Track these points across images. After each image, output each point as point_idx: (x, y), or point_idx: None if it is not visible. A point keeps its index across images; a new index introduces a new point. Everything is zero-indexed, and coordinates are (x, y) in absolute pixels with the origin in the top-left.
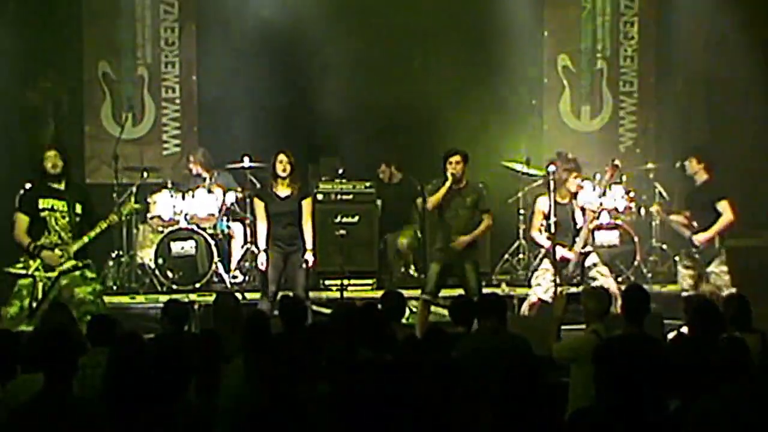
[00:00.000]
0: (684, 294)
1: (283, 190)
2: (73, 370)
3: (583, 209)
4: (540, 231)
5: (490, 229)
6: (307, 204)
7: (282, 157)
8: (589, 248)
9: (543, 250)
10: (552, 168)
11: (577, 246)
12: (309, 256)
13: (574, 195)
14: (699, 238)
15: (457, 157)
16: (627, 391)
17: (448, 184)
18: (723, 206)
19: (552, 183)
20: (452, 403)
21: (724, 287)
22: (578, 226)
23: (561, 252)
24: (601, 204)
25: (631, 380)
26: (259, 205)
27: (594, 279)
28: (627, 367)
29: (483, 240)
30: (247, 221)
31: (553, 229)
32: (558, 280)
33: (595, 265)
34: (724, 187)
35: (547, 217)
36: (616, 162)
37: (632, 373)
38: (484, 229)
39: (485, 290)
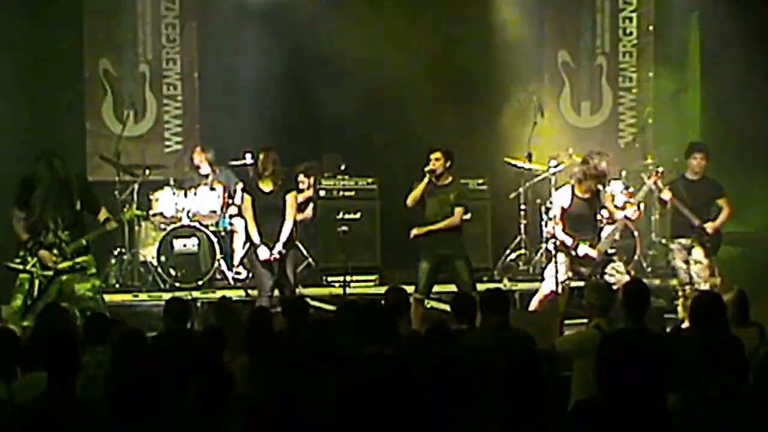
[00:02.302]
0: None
1: (266, 186)
2: (76, 371)
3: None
4: (562, 230)
5: (452, 224)
6: (290, 198)
7: (262, 155)
8: (613, 250)
9: (558, 243)
10: (554, 162)
11: (602, 245)
12: (278, 247)
13: (597, 192)
14: (711, 227)
15: (437, 154)
16: (628, 385)
17: (425, 180)
18: (724, 202)
19: (554, 178)
20: (456, 398)
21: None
22: (601, 225)
23: (585, 249)
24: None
25: (632, 375)
26: (247, 200)
27: (611, 276)
28: (628, 361)
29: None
30: None
31: (553, 216)
32: (571, 275)
33: (611, 261)
34: (721, 181)
35: (566, 210)
36: (661, 169)
37: (633, 367)
38: (446, 223)
39: (487, 286)
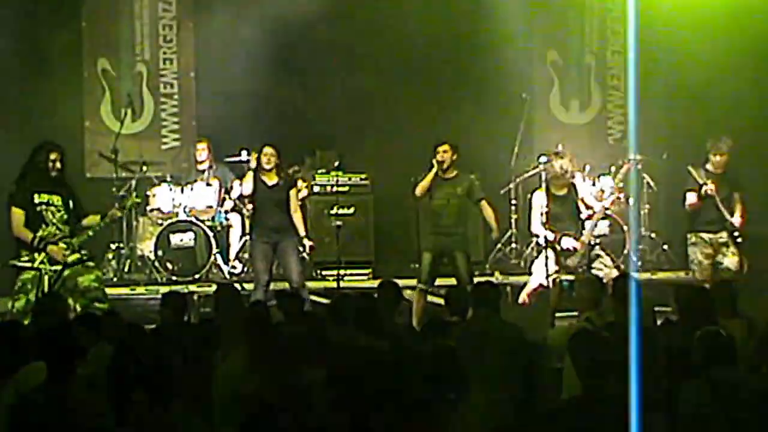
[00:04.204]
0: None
1: (270, 179)
2: (74, 360)
3: (585, 202)
4: (542, 225)
5: (495, 218)
6: (293, 194)
7: (267, 149)
8: (596, 240)
9: (543, 241)
10: (544, 159)
11: (584, 237)
12: (307, 242)
13: (574, 186)
14: (739, 220)
15: (445, 146)
16: (606, 377)
17: (433, 171)
18: (739, 195)
19: (544, 174)
20: (448, 389)
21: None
22: (583, 218)
23: (568, 242)
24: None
25: (610, 368)
26: (249, 177)
27: (600, 270)
28: (605, 355)
29: (474, 229)
30: (246, 213)
31: (545, 219)
32: (559, 269)
33: (598, 256)
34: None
35: (544, 210)
36: (631, 157)
37: (611, 361)
38: (493, 217)
39: (479, 279)
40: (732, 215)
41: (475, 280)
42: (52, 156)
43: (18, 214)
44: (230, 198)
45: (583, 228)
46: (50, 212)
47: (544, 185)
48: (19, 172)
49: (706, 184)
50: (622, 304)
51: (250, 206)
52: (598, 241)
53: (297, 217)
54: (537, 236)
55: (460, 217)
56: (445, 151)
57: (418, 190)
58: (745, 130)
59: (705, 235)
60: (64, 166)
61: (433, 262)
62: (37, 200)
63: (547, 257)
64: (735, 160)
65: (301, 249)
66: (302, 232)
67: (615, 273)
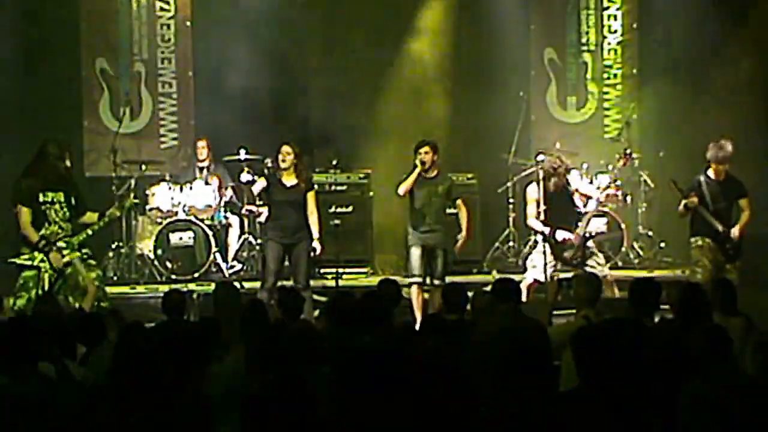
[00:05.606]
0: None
1: (288, 180)
2: (72, 356)
3: (581, 194)
4: (536, 218)
5: (468, 218)
6: (311, 196)
7: (284, 148)
8: (591, 230)
9: (539, 236)
10: (541, 157)
11: (579, 229)
12: (317, 245)
13: (567, 182)
14: (737, 232)
15: (426, 148)
16: (607, 375)
17: (417, 170)
18: (745, 202)
19: (541, 172)
20: (449, 387)
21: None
22: (579, 211)
23: (563, 234)
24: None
25: (611, 365)
26: (262, 180)
27: (592, 267)
28: (606, 352)
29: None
30: (244, 212)
31: (543, 216)
32: (555, 263)
33: (592, 253)
34: (742, 182)
35: (539, 203)
36: (629, 150)
37: (610, 358)
38: (468, 218)
39: (477, 278)
40: (728, 225)
41: (468, 278)
42: (64, 155)
43: (25, 213)
44: (228, 199)
45: (579, 221)
46: (53, 210)
47: (540, 180)
48: (18, 171)
49: (687, 197)
50: (640, 308)
51: (250, 207)
52: (593, 234)
53: (313, 220)
54: (532, 229)
55: (441, 215)
56: (426, 152)
57: (401, 190)
58: (748, 126)
59: (708, 240)
60: (71, 165)
61: (423, 255)
62: (41, 198)
63: (544, 252)
64: (739, 164)
65: (310, 250)
66: (316, 235)
67: (608, 271)
